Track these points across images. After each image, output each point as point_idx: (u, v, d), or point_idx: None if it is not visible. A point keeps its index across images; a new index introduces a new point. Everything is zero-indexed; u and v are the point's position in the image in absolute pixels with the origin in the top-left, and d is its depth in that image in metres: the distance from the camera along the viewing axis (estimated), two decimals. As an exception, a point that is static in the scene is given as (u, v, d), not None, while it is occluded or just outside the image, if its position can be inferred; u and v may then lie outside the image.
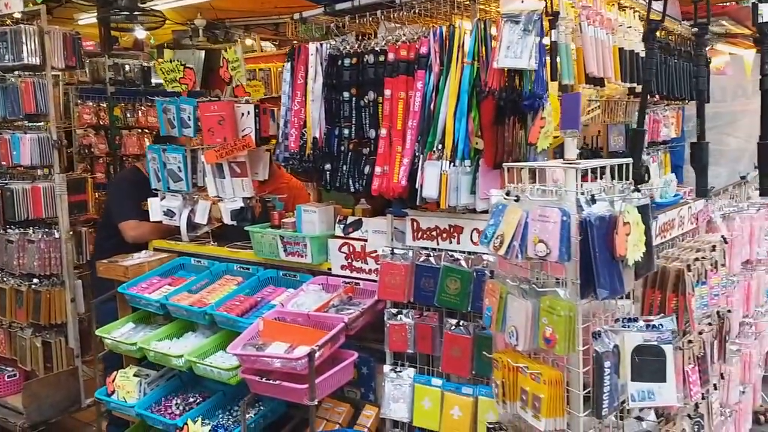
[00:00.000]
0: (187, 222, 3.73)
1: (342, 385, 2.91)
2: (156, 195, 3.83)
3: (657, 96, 3.40)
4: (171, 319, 3.38)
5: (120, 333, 3.39)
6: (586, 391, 2.06)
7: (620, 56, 2.82)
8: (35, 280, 4.41)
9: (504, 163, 2.32)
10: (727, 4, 3.87)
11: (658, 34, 3.24)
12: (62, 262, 4.40)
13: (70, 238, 4.44)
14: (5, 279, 4.52)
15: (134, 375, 3.29)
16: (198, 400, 3.21)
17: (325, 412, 3.06)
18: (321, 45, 3.09)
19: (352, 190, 3.05)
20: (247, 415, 2.93)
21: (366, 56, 2.98)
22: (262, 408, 3.04)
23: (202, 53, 7.79)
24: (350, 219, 3.16)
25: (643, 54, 2.94)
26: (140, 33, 6.63)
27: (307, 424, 2.79)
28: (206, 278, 3.49)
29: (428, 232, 2.87)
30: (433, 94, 2.77)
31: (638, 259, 2.04)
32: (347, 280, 3.14)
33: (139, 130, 6.67)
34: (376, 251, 3.00)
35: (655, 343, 2.07)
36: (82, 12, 6.21)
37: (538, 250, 1.98)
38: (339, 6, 3.06)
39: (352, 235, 3.14)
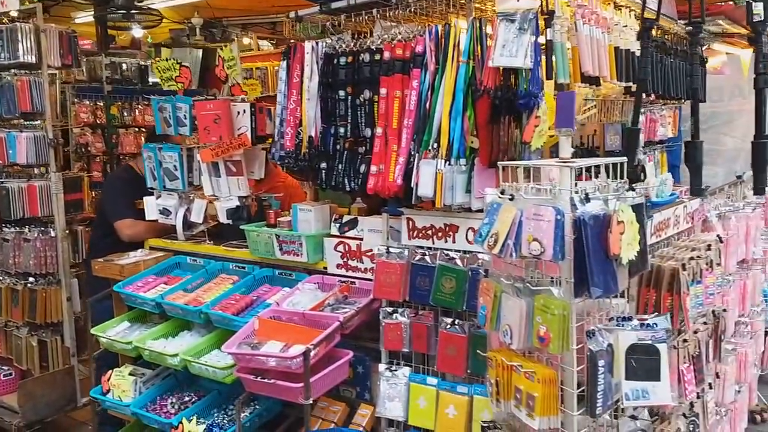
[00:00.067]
0: (183, 221, 3.72)
1: (337, 384, 2.91)
2: (150, 193, 3.82)
3: (653, 95, 3.40)
4: (166, 317, 3.38)
5: (115, 332, 3.38)
6: (580, 389, 2.06)
7: (616, 55, 2.82)
8: (31, 279, 4.40)
9: (499, 162, 2.31)
10: (724, 3, 3.86)
11: (654, 33, 3.25)
12: (58, 260, 4.39)
13: (66, 237, 4.44)
14: (1, 278, 4.51)
15: (129, 374, 3.29)
16: (193, 399, 3.20)
17: (320, 411, 3.06)
18: (317, 43, 3.09)
19: (348, 189, 3.05)
20: (243, 414, 2.93)
21: (362, 55, 2.98)
22: (257, 407, 3.04)
23: (200, 52, 7.77)
24: (346, 218, 3.16)
25: (638, 53, 2.94)
26: (137, 32, 6.63)
27: (303, 423, 2.79)
28: (202, 277, 3.48)
29: (424, 231, 2.87)
30: (429, 92, 2.78)
31: (632, 258, 2.04)
32: (343, 279, 3.14)
33: (136, 129, 6.64)
34: (371, 250, 3.00)
35: (650, 342, 2.07)
36: (79, 10, 6.21)
37: (532, 249, 1.98)
38: (335, 4, 3.06)
39: (347, 234, 3.14)
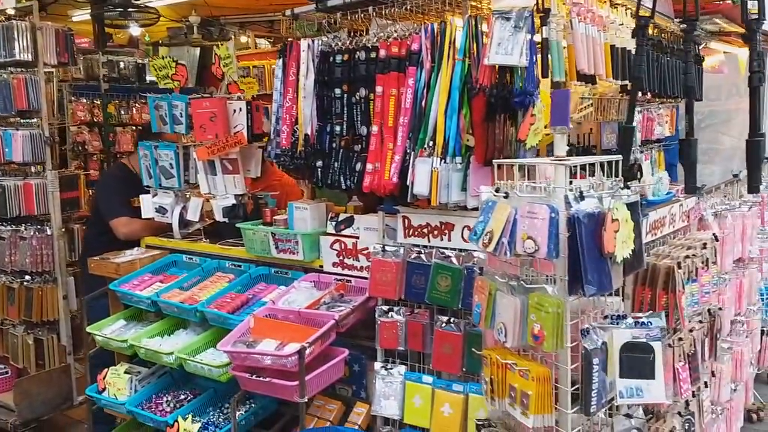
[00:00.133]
0: (179, 219, 3.72)
1: (333, 382, 2.91)
2: (145, 191, 3.82)
3: (649, 94, 3.40)
4: (162, 316, 3.37)
5: (111, 330, 3.38)
6: (574, 388, 2.06)
7: (612, 53, 2.81)
8: (27, 277, 4.40)
9: (494, 160, 2.31)
10: (721, 2, 3.86)
11: (651, 31, 3.24)
12: (54, 259, 4.39)
13: (63, 235, 4.43)
14: (-3, 276, 4.52)
15: (125, 372, 3.28)
16: (189, 398, 3.20)
17: (316, 410, 3.06)
18: (313, 41, 3.08)
19: (344, 187, 3.04)
20: (238, 413, 2.93)
21: (357, 53, 2.97)
22: (253, 405, 3.04)
23: (197, 50, 7.77)
24: (342, 216, 3.15)
25: (634, 51, 2.94)
26: (135, 30, 6.60)
27: (298, 422, 2.79)
28: (198, 275, 3.48)
29: (419, 230, 2.86)
30: (425, 90, 2.77)
31: (627, 256, 2.04)
32: (339, 277, 3.13)
33: (133, 128, 6.62)
34: (367, 248, 3.00)
35: (644, 340, 2.06)
36: (76, 9, 6.18)
37: (526, 247, 1.98)
38: (330, 2, 3.06)
39: (343, 233, 3.14)
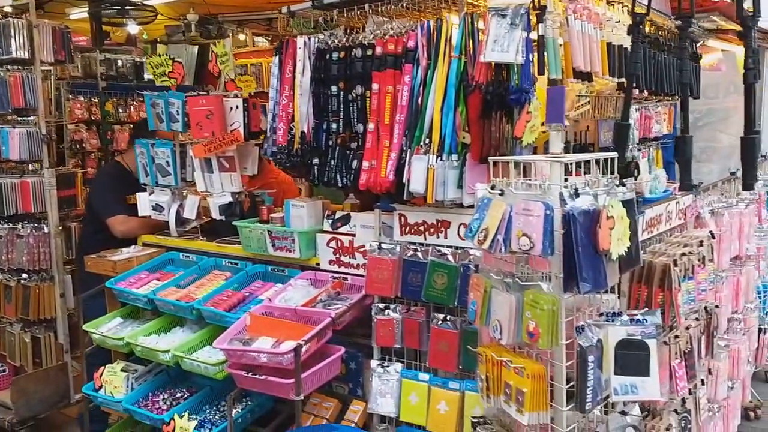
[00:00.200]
0: (176, 217, 3.71)
1: (329, 380, 2.91)
2: (139, 188, 3.81)
3: (646, 92, 3.40)
4: (159, 314, 3.37)
5: (107, 328, 3.38)
6: (569, 385, 2.06)
7: (608, 51, 2.81)
8: (24, 275, 4.39)
9: (490, 158, 2.30)
10: (718, 0, 3.85)
11: (648, 29, 3.24)
12: (51, 257, 4.39)
13: (60, 233, 4.42)
14: (-6, 274, 4.51)
15: (122, 370, 3.27)
16: (185, 396, 3.19)
17: (312, 407, 3.06)
18: (309, 39, 3.08)
19: (340, 184, 3.05)
20: (234, 410, 2.92)
21: (354, 50, 2.98)
22: (249, 403, 3.03)
23: (195, 48, 7.76)
24: (338, 214, 3.15)
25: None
26: (133, 28, 6.59)
27: (295, 420, 2.78)
28: (194, 273, 3.48)
29: (416, 227, 2.86)
30: (421, 88, 2.77)
31: (622, 254, 2.04)
32: (335, 275, 3.13)
33: (131, 126, 6.63)
34: (364, 246, 3.00)
35: (639, 337, 2.06)
36: (73, 6, 6.17)
37: (521, 244, 1.98)
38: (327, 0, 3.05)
39: (340, 230, 3.13)
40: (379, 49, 2.87)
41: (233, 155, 3.51)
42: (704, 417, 3.04)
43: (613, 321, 2.11)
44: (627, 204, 2.09)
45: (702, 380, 2.97)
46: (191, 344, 3.09)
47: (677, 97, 3.52)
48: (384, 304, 2.89)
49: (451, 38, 2.67)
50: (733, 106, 5.69)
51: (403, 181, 2.77)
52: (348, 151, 3.02)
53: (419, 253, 2.79)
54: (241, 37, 7.33)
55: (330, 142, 3.08)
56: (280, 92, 3.16)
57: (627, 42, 2.88)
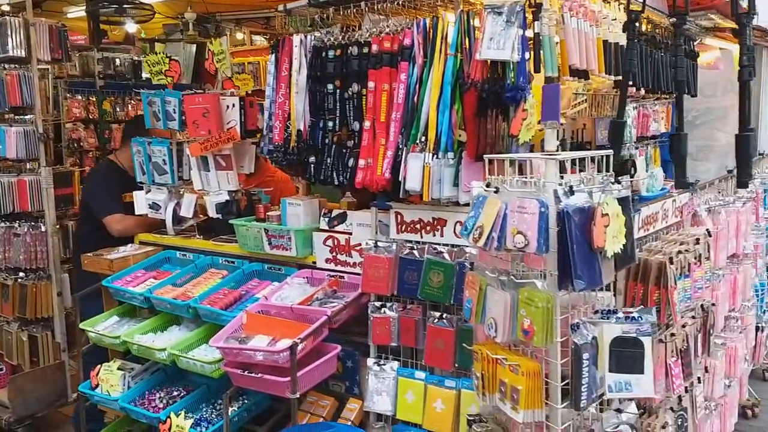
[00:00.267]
0: (173, 215, 3.71)
1: (325, 378, 2.90)
2: (133, 185, 3.81)
3: (643, 90, 3.40)
4: (156, 312, 3.37)
5: (104, 326, 3.37)
6: (564, 383, 2.05)
7: (604, 49, 2.81)
8: (21, 274, 4.38)
9: (485, 155, 2.30)
10: (715, -2, 3.85)
11: (644, 27, 3.23)
12: (48, 255, 4.38)
13: (57, 232, 4.42)
14: (-9, 273, 4.50)
15: (118, 368, 3.27)
16: (182, 394, 3.19)
17: (309, 406, 3.05)
18: (305, 37, 3.08)
19: (336, 183, 3.05)
20: (231, 409, 2.92)
21: (350, 48, 2.97)
22: (246, 401, 3.03)
23: (193, 47, 7.73)
24: (335, 212, 3.15)
25: (627, 46, 2.93)
26: (131, 27, 6.59)
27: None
28: (191, 272, 3.47)
29: (412, 225, 2.86)
30: (417, 86, 2.77)
31: (617, 251, 2.03)
32: (332, 273, 3.13)
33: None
34: (360, 244, 2.99)
35: (634, 335, 2.06)
36: (71, 5, 6.16)
37: (516, 242, 1.98)
38: (323, -3, 3.05)
39: (336, 229, 3.13)
40: (375, 47, 2.86)
41: (230, 153, 3.50)
42: (701, 415, 3.04)
43: (608, 318, 2.11)
44: (622, 201, 2.09)
45: (698, 378, 2.97)
46: (187, 342, 3.09)
47: (674, 94, 3.52)
48: (380, 303, 2.88)
49: (447, 36, 2.67)
50: (730, 105, 5.66)
51: (399, 179, 2.77)
52: (344, 149, 3.02)
53: (415, 251, 2.79)
54: (239, 35, 7.33)
55: (326, 140, 3.08)
56: (276, 90, 3.16)
57: (623, 40, 2.88)
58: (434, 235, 2.80)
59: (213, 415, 3.03)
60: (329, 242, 3.13)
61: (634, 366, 2.05)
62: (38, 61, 4.35)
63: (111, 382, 3.22)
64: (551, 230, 1.96)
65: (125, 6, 5.70)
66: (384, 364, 2.90)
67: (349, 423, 2.94)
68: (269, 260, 3.35)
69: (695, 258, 2.77)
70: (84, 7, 5.75)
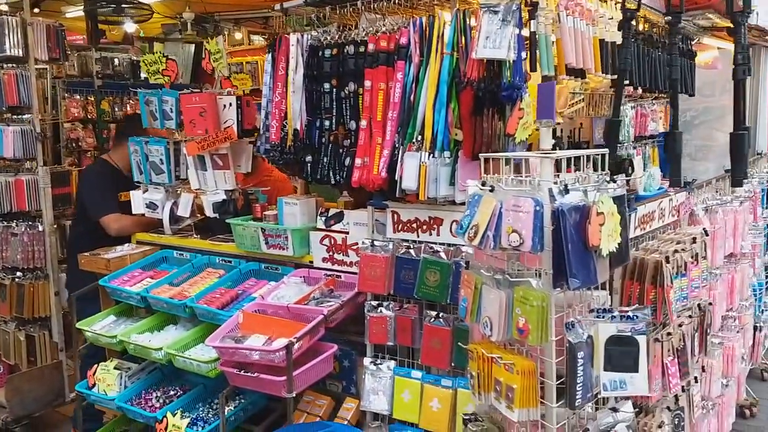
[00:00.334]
0: (170, 215, 3.71)
1: (322, 377, 2.90)
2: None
3: (640, 89, 3.40)
4: (152, 312, 3.36)
5: (101, 326, 3.37)
6: (560, 381, 2.05)
7: (601, 47, 2.81)
8: (18, 274, 4.39)
9: (481, 154, 2.30)
10: (713, -3, 3.84)
11: (642, 27, 3.23)
12: (46, 255, 4.38)
13: (54, 231, 4.42)
14: (-12, 272, 4.50)
15: (115, 368, 3.27)
16: (179, 393, 3.19)
17: (306, 405, 3.05)
18: (302, 36, 3.07)
19: (333, 182, 3.04)
20: (227, 408, 2.92)
21: (346, 47, 2.97)
22: (242, 401, 3.03)
23: (192, 47, 7.74)
24: (332, 211, 3.15)
25: (624, 45, 2.93)
26: (129, 27, 6.59)
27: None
28: (188, 271, 3.47)
29: (408, 224, 2.86)
30: (413, 85, 2.77)
31: (613, 250, 2.03)
32: (329, 272, 3.13)
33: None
34: (357, 243, 2.99)
35: (629, 333, 2.06)
36: (69, 5, 6.15)
37: (511, 240, 1.97)
38: (319, -4, 3.05)
39: (333, 228, 3.13)
40: (371, 46, 2.86)
41: (227, 153, 3.50)
42: (698, 414, 3.03)
43: (603, 317, 2.10)
44: (618, 200, 2.09)
45: (695, 378, 2.96)
46: (184, 342, 3.09)
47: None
48: (377, 302, 2.88)
49: (444, 35, 2.66)
50: (729, 105, 5.63)
51: (396, 178, 2.77)
52: (341, 149, 3.02)
53: (412, 251, 2.79)
54: (238, 35, 7.33)
55: (323, 140, 3.08)
56: (273, 89, 3.16)
57: (620, 38, 2.88)
58: (431, 234, 2.80)
59: (209, 415, 3.03)
60: (326, 241, 3.13)
61: (629, 364, 2.05)
62: (36, 60, 4.36)
63: (108, 381, 3.22)
64: (546, 229, 1.95)
65: (123, 6, 5.70)
66: (381, 364, 2.90)
67: (346, 422, 2.93)
68: (266, 260, 3.35)
69: (692, 257, 2.76)
70: (82, 7, 5.75)
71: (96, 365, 3.32)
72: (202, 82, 6.86)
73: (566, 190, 1.97)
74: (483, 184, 2.13)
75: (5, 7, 4.40)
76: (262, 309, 2.97)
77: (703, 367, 3.12)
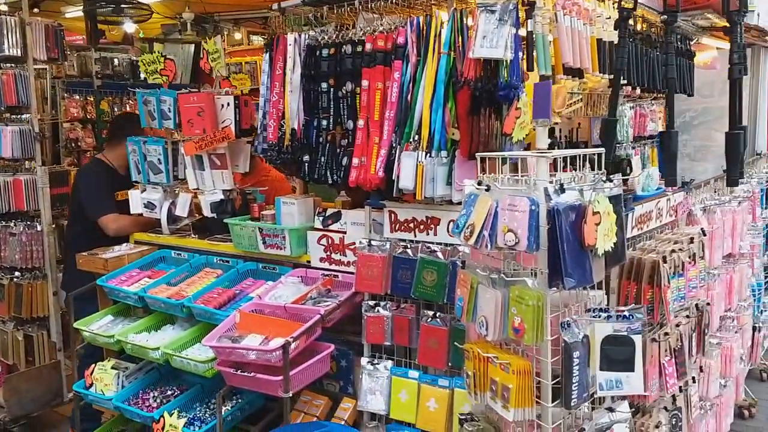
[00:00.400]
0: (168, 214, 3.70)
1: (319, 377, 2.89)
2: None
3: (638, 89, 3.39)
4: (150, 311, 3.36)
5: (98, 325, 3.37)
6: (555, 381, 2.05)
7: (598, 47, 2.81)
8: (17, 273, 4.39)
9: (477, 154, 2.30)
10: (712, -3, 3.84)
11: (640, 26, 3.23)
12: (44, 255, 4.39)
13: (52, 231, 4.42)
14: (-14, 272, 4.51)
15: (112, 368, 3.26)
16: (176, 393, 3.18)
17: (303, 405, 3.05)
18: (300, 35, 3.07)
19: (330, 181, 3.04)
20: (224, 408, 2.91)
21: (344, 46, 2.97)
22: (239, 401, 3.02)
23: (192, 47, 7.74)
24: (329, 211, 3.14)
25: (622, 45, 2.92)
26: (129, 27, 6.60)
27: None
28: (186, 271, 3.47)
29: (406, 224, 2.85)
30: (410, 84, 2.76)
31: (609, 249, 2.03)
32: (326, 272, 3.12)
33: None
34: (354, 243, 2.98)
35: (625, 333, 2.05)
36: (69, 5, 6.16)
37: (507, 240, 1.97)
38: (316, -5, 3.05)
39: (331, 228, 3.12)
40: (368, 46, 2.86)
41: (224, 153, 3.50)
42: (696, 415, 3.03)
43: (599, 317, 2.10)
44: (614, 199, 2.08)
45: (693, 378, 2.96)
46: (181, 342, 3.08)
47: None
48: (374, 302, 2.88)
49: (441, 34, 2.66)
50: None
51: (393, 177, 2.77)
52: (338, 148, 3.02)
53: (409, 250, 2.79)
54: (237, 35, 7.33)
55: (320, 139, 3.07)
56: (270, 89, 3.16)
57: (617, 38, 2.88)
58: (428, 234, 2.79)
59: (206, 415, 3.02)
60: (323, 241, 3.13)
61: (625, 364, 2.05)
62: (34, 60, 4.36)
63: (105, 381, 3.22)
64: (542, 228, 1.95)
65: (123, 6, 5.71)
66: (378, 364, 2.89)
67: (343, 422, 2.93)
68: (264, 259, 3.35)
69: (689, 257, 2.76)
70: (81, 7, 5.76)
71: (93, 365, 3.32)
72: (201, 82, 6.86)
73: (562, 190, 1.97)
74: (479, 184, 2.13)
75: (4, 7, 4.40)
76: (259, 309, 2.97)
77: (701, 368, 3.12)
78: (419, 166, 2.68)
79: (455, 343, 2.52)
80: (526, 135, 2.46)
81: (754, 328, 4.23)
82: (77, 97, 6.35)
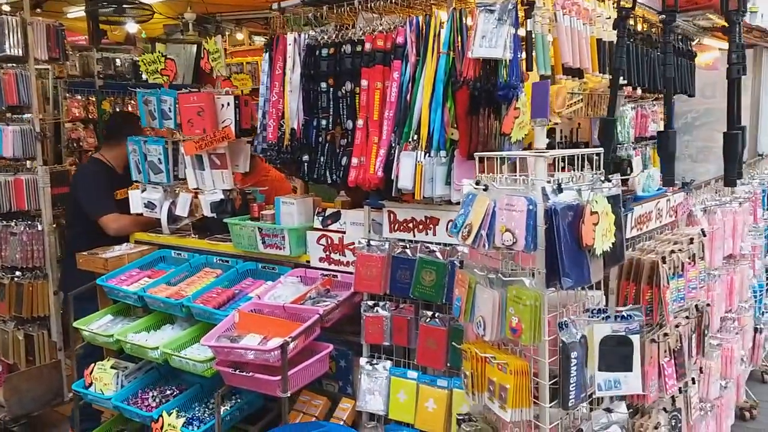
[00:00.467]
0: (168, 214, 3.71)
1: (317, 377, 2.89)
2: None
3: (640, 90, 3.38)
4: (149, 311, 3.36)
5: (98, 325, 3.37)
6: (553, 381, 2.04)
7: (598, 47, 2.80)
8: (17, 273, 4.39)
9: (476, 153, 2.29)
10: (713, -3, 3.82)
11: (640, 26, 3.22)
12: (45, 254, 4.38)
13: (53, 231, 4.42)
14: (-13, 271, 4.51)
15: (112, 367, 3.26)
16: (175, 393, 3.18)
17: (302, 405, 3.05)
18: (299, 35, 3.07)
19: (330, 181, 3.04)
20: (223, 408, 2.91)
21: (343, 46, 2.97)
22: (238, 400, 3.02)
23: (194, 47, 7.75)
24: (329, 211, 3.14)
25: (621, 44, 2.92)
26: (131, 27, 6.60)
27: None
28: (185, 271, 3.47)
29: (405, 224, 2.85)
30: (410, 84, 2.76)
31: (607, 249, 2.02)
32: (325, 272, 3.12)
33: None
34: (354, 243, 2.98)
35: (623, 333, 2.05)
36: (71, 5, 6.17)
37: (504, 239, 1.96)
38: (316, -5, 3.05)
39: (330, 228, 3.12)
40: (368, 46, 2.86)
41: (224, 152, 3.50)
42: (695, 416, 3.02)
43: (597, 317, 2.09)
44: (613, 200, 2.08)
45: (693, 379, 2.95)
46: (181, 341, 3.08)
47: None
48: (373, 302, 2.87)
49: (440, 34, 2.66)
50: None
51: (392, 177, 2.76)
52: (337, 148, 3.02)
53: (408, 250, 2.78)
54: (239, 36, 7.33)
55: (320, 139, 3.07)
56: (270, 89, 3.16)
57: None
58: (427, 234, 2.79)
59: (205, 414, 3.02)
60: (323, 241, 3.12)
61: (623, 364, 2.04)
62: (35, 60, 4.37)
63: (104, 380, 3.22)
64: (539, 228, 1.94)
65: (124, 6, 5.72)
66: (376, 364, 2.89)
67: (342, 422, 2.92)
68: (263, 259, 3.35)
69: (689, 258, 2.75)
70: (83, 7, 5.77)
71: (93, 364, 3.32)
72: (204, 82, 6.87)
73: (560, 189, 1.96)
74: (477, 183, 2.13)
75: (6, 7, 4.41)
76: (258, 308, 2.97)
77: (701, 369, 3.11)
78: (418, 166, 2.68)
79: (454, 343, 2.51)
80: (525, 135, 2.47)
81: (755, 330, 4.22)
82: (79, 97, 6.35)
